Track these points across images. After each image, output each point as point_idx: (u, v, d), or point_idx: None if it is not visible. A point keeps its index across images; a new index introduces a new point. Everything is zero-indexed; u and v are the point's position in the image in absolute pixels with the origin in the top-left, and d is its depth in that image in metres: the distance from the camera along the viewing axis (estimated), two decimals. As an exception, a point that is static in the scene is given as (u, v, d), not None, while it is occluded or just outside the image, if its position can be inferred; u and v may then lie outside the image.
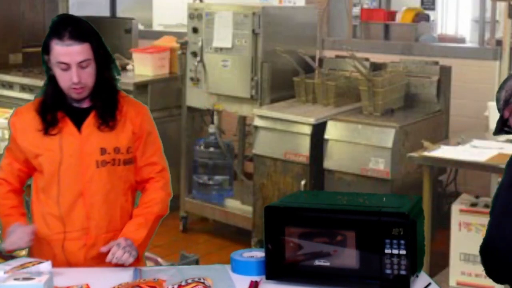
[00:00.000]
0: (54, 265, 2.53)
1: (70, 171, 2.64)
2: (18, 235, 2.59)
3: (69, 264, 2.68)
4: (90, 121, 2.65)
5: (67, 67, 2.55)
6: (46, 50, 2.60)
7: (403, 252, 2.28)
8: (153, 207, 2.76)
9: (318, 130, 4.98)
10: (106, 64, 2.68)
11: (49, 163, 2.64)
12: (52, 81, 2.65)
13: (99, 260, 2.64)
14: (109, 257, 2.55)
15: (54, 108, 2.64)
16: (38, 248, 2.72)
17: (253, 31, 5.39)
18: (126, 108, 2.71)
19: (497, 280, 2.17)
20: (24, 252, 4.25)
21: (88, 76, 2.59)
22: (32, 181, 2.76)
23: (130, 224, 2.71)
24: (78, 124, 2.65)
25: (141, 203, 2.78)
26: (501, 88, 2.49)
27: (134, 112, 2.73)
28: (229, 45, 5.51)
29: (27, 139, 2.66)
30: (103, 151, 2.65)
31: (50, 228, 2.68)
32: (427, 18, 7.97)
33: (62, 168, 2.63)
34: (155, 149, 2.83)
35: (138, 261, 2.68)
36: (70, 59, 2.54)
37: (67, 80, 2.57)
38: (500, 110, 2.41)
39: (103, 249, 2.60)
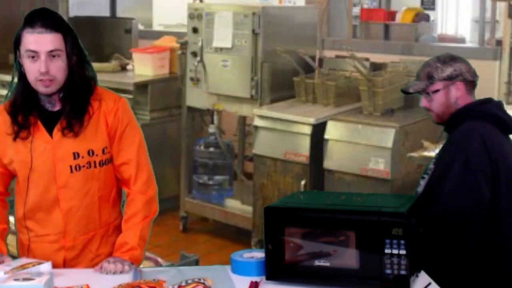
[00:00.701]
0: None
1: (41, 178, 2.56)
2: None
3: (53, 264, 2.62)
4: (60, 126, 2.54)
5: (36, 56, 2.44)
6: (17, 42, 2.50)
7: (403, 252, 2.28)
8: (136, 218, 2.64)
9: (318, 130, 4.98)
10: (79, 62, 2.56)
11: (20, 168, 2.57)
12: (23, 79, 2.53)
13: (79, 260, 2.65)
14: (102, 272, 2.50)
15: (25, 109, 2.53)
16: (19, 249, 2.76)
17: (253, 31, 5.39)
18: (100, 105, 2.59)
19: (447, 252, 2.54)
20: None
21: (57, 69, 2.47)
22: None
23: (121, 247, 2.60)
24: (50, 129, 2.55)
25: (125, 216, 2.67)
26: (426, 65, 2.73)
27: (109, 108, 2.61)
28: (229, 45, 5.51)
29: (1, 143, 2.57)
30: (76, 155, 2.56)
31: (21, 232, 2.71)
32: (427, 18, 7.97)
33: (32, 174, 2.56)
34: (132, 145, 2.65)
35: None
36: (40, 47, 2.43)
37: (35, 71, 2.45)
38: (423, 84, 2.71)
39: (96, 269, 2.53)
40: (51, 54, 2.45)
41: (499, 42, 6.01)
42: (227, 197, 5.92)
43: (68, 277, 2.44)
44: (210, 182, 5.94)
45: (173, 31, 7.43)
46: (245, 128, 6.35)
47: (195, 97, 5.87)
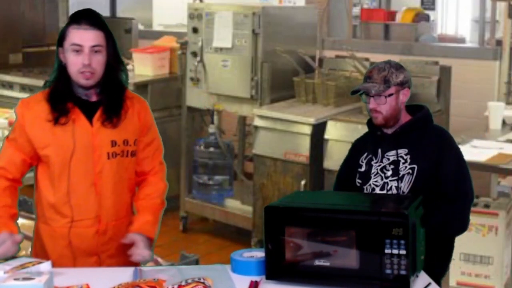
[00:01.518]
0: (58, 254, 2.67)
1: (82, 162, 2.70)
2: (6, 247, 2.59)
3: (74, 253, 2.74)
4: (100, 115, 2.72)
5: (80, 49, 2.64)
6: (62, 38, 2.68)
7: (403, 252, 2.29)
8: (156, 199, 2.89)
9: (318, 130, 4.98)
10: (116, 63, 2.77)
11: (61, 153, 2.69)
12: (62, 73, 2.70)
13: (109, 245, 2.77)
14: (137, 258, 2.67)
15: (64, 97, 2.70)
16: (44, 237, 2.77)
17: (253, 31, 5.40)
18: (132, 103, 2.80)
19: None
20: (24, 252, 4.26)
21: (98, 63, 2.67)
22: (35, 172, 2.79)
23: (143, 221, 2.80)
24: (88, 117, 2.72)
25: (144, 195, 2.87)
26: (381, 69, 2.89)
27: (139, 106, 2.83)
28: (229, 45, 5.51)
29: (38, 129, 2.69)
30: (113, 143, 2.73)
31: (60, 217, 2.73)
32: (427, 18, 7.97)
33: (74, 159, 2.69)
34: (156, 142, 2.93)
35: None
36: (84, 41, 2.63)
37: (78, 63, 2.64)
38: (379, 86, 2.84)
39: (125, 240, 2.71)
40: (94, 49, 2.65)
41: (499, 42, 6.01)
42: (227, 197, 5.92)
43: (68, 277, 2.45)
44: (210, 182, 5.94)
45: (173, 31, 7.43)
46: (245, 128, 6.35)
47: (195, 97, 5.87)
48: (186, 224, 6.07)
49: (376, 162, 2.91)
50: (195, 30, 5.73)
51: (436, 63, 5.38)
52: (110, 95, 2.74)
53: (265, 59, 5.42)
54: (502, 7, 6.27)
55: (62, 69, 2.71)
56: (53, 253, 2.74)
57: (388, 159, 2.88)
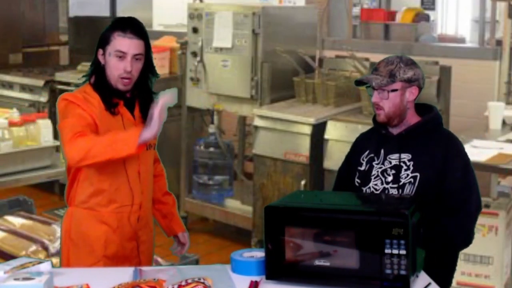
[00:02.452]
0: (104, 240, 2.85)
1: None
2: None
3: (119, 238, 2.88)
4: (138, 109, 2.89)
5: (123, 56, 2.78)
6: (105, 41, 2.82)
7: (403, 252, 2.28)
8: (171, 195, 3.22)
9: (318, 130, 4.98)
10: (149, 70, 2.92)
11: None
12: (100, 72, 2.84)
13: (143, 231, 2.96)
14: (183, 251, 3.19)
15: (112, 91, 2.84)
16: (87, 225, 2.87)
17: (253, 31, 5.40)
18: None
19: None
20: (24, 252, 4.26)
21: (136, 70, 2.83)
22: None
23: (180, 220, 3.19)
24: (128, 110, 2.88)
25: (164, 188, 3.19)
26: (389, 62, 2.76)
27: None
28: (229, 45, 5.51)
29: (97, 116, 2.79)
30: None
31: (108, 204, 2.86)
32: (427, 18, 7.96)
33: None
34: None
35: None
36: (128, 49, 2.79)
37: (119, 68, 2.79)
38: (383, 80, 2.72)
39: (183, 239, 3.18)
40: (135, 57, 2.81)
41: (499, 42, 6.01)
42: (227, 197, 5.92)
43: (68, 277, 2.45)
44: (210, 182, 5.94)
45: (173, 31, 7.42)
46: (245, 128, 6.35)
47: (195, 97, 5.88)
48: (186, 224, 6.03)
49: (377, 163, 2.78)
50: (195, 30, 5.73)
51: (436, 63, 5.37)
52: (142, 93, 2.90)
53: (265, 59, 5.42)
54: (502, 7, 6.27)
55: (101, 69, 2.85)
56: (99, 239, 2.86)
57: (390, 163, 2.76)
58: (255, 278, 2.44)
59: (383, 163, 2.78)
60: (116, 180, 2.86)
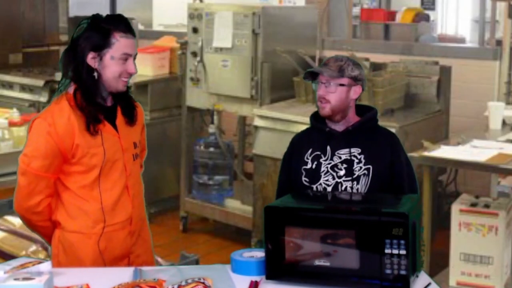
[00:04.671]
0: (91, 261, 2.69)
1: (115, 167, 2.73)
2: None
3: (107, 257, 2.74)
4: (120, 119, 2.76)
5: (127, 58, 2.68)
6: (104, 44, 2.65)
7: (403, 252, 2.28)
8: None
9: (318, 130, 4.97)
10: None
11: (97, 160, 2.69)
12: (90, 79, 2.66)
13: (137, 245, 2.83)
14: None
15: (95, 104, 2.67)
16: (73, 247, 2.74)
17: (253, 31, 5.40)
18: (135, 105, 2.87)
19: None
20: (24, 252, 4.26)
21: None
22: (56, 182, 2.74)
23: None
24: (109, 122, 2.73)
25: None
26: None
27: (141, 109, 2.90)
28: (229, 45, 5.51)
29: (75, 138, 2.64)
30: (135, 144, 2.82)
31: (95, 223, 2.72)
32: (427, 18, 7.97)
33: (108, 165, 2.71)
34: (144, 139, 2.99)
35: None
36: (133, 50, 2.70)
37: (122, 70, 2.67)
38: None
39: None
40: (134, 57, 2.72)
41: (499, 42, 6.01)
42: (227, 197, 5.92)
43: (68, 277, 2.44)
44: (210, 182, 5.94)
45: (173, 31, 7.43)
46: (245, 128, 6.35)
47: (195, 97, 5.87)
48: (186, 224, 6.06)
49: (325, 160, 2.81)
50: (195, 30, 5.73)
51: (436, 63, 5.38)
52: (124, 99, 2.77)
53: (265, 59, 5.42)
54: (502, 7, 6.27)
55: (91, 73, 2.66)
56: (86, 260, 2.72)
57: (340, 158, 2.80)
58: (255, 278, 2.44)
59: (331, 159, 2.82)
60: (103, 198, 2.72)
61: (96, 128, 2.66)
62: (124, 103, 2.77)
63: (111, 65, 2.66)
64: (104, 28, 2.66)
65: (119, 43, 2.66)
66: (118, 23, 2.69)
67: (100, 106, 2.69)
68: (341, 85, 2.79)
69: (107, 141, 2.70)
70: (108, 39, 2.65)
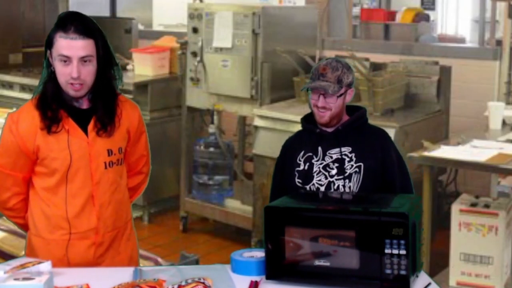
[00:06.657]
0: (55, 265, 2.51)
1: (79, 174, 2.62)
2: None
3: (70, 264, 2.67)
4: (94, 124, 2.62)
5: (68, 60, 2.50)
6: (50, 43, 2.54)
7: (403, 252, 2.28)
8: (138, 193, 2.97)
9: (318, 130, 4.97)
10: (108, 65, 2.63)
11: (59, 164, 2.60)
12: (52, 78, 2.58)
13: (104, 257, 2.72)
14: None
15: (54, 104, 2.57)
16: (37, 250, 2.70)
17: (253, 31, 5.39)
18: (124, 107, 2.71)
19: None
20: (23, 252, 4.25)
21: (88, 74, 2.53)
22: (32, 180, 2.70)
23: None
24: (82, 125, 2.61)
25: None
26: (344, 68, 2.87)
27: (131, 111, 2.75)
28: (229, 45, 5.51)
29: (36, 139, 2.58)
30: (109, 152, 2.65)
31: (56, 230, 2.66)
32: (427, 18, 7.98)
33: (71, 171, 2.60)
34: (146, 143, 2.87)
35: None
36: (73, 52, 2.49)
37: (66, 74, 2.51)
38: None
39: None
40: (83, 60, 2.51)
41: (499, 42, 6.01)
42: (227, 197, 5.92)
43: (68, 277, 2.44)
44: (210, 182, 5.94)
45: (173, 31, 7.43)
46: (245, 128, 6.35)
47: (195, 97, 5.87)
48: (186, 224, 6.06)
49: (317, 160, 2.83)
50: (195, 30, 5.73)
51: (436, 63, 5.38)
52: (102, 103, 2.62)
53: (265, 59, 5.42)
54: (502, 7, 6.27)
55: (51, 73, 2.57)
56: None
57: (331, 157, 2.82)
58: (255, 278, 2.44)
59: (323, 159, 2.84)
60: (62, 206, 2.62)
61: (55, 128, 2.55)
62: (102, 108, 2.61)
63: (56, 66, 2.54)
64: (54, 26, 2.54)
65: (57, 43, 2.51)
66: (65, 22, 2.51)
67: (67, 106, 2.58)
68: (341, 95, 2.82)
69: (74, 146, 2.58)
70: (51, 38, 2.53)
